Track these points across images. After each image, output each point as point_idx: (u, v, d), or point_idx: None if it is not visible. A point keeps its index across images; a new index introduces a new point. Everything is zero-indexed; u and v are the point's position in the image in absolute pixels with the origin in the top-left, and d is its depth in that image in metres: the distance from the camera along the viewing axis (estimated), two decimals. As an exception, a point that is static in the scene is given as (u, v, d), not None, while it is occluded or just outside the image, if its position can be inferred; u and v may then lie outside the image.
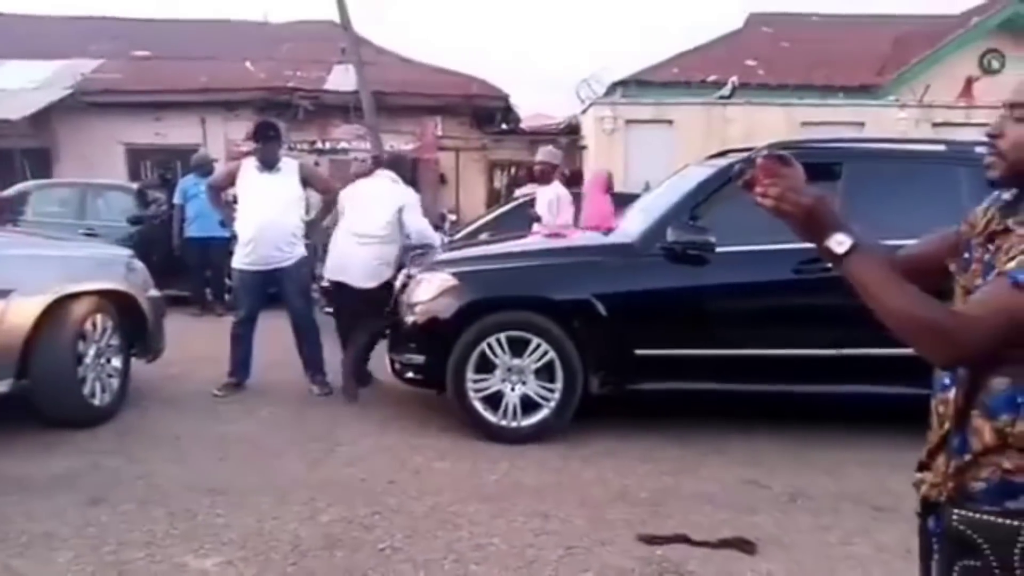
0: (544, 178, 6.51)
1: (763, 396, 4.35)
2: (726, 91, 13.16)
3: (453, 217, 12.82)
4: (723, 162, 4.61)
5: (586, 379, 4.17)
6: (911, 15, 16.62)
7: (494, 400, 4.18)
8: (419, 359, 4.34)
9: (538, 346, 4.12)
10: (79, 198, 9.54)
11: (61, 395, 4.13)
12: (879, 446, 4.04)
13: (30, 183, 10.28)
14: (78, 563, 2.77)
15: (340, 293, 5.33)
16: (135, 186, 9.93)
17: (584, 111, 13.38)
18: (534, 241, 5.34)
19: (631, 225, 4.75)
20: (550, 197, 6.31)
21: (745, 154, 4.53)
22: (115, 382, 4.50)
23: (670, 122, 12.29)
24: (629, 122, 12.31)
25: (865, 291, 1.19)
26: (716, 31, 16.92)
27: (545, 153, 6.76)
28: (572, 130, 14.08)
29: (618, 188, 10.70)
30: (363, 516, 3.21)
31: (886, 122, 11.72)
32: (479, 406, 4.18)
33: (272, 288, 5.15)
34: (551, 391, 4.16)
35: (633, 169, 11.42)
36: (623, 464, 3.88)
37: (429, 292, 4.34)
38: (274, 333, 5.46)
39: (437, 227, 12.22)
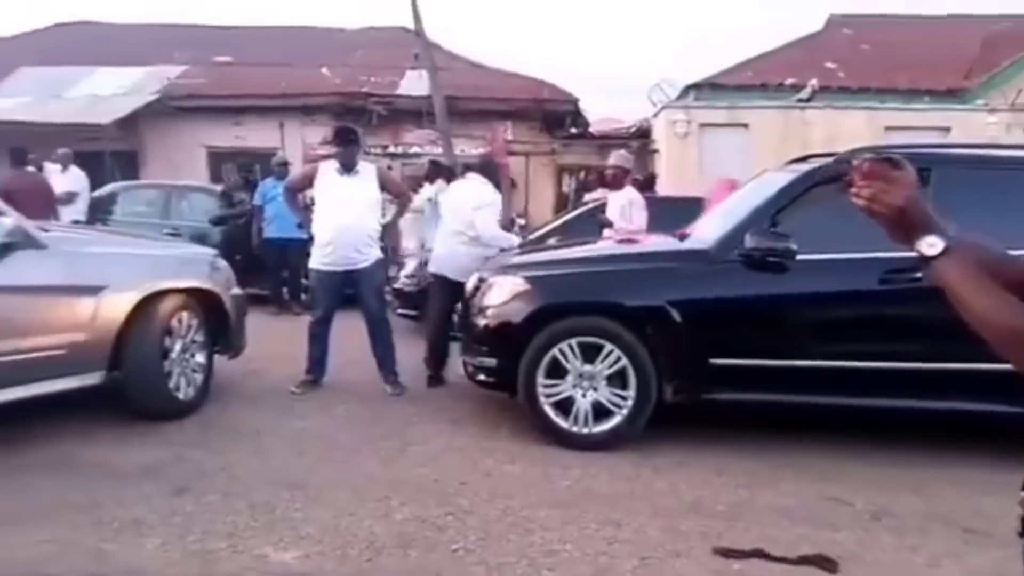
0: (616, 183, 6.45)
1: (843, 410, 4.20)
2: (805, 94, 12.84)
3: (522, 222, 12.86)
4: (805, 167, 4.49)
5: (660, 387, 4.11)
6: (1001, 15, 15.86)
7: (565, 405, 4.16)
8: (490, 362, 4.35)
9: (610, 352, 4.08)
10: (164, 199, 9.93)
11: (149, 388, 4.30)
12: (971, 464, 3.86)
13: (118, 184, 10.75)
14: (165, 550, 2.88)
15: (439, 286, 5.49)
16: (219, 188, 10.27)
17: (656, 114, 13.24)
18: (606, 246, 5.30)
19: (706, 231, 4.67)
20: (622, 202, 6.25)
21: (828, 159, 4.41)
22: (199, 377, 4.65)
23: (745, 126, 12.06)
24: (703, 126, 12.13)
25: (956, 297, 1.13)
26: (794, 33, 16.52)
27: (617, 157, 6.70)
28: (643, 134, 13.96)
29: (689, 193, 10.58)
30: (436, 516, 3.24)
31: (974, 127, 11.24)
32: (550, 411, 4.16)
33: (348, 289, 5.24)
34: (623, 398, 4.11)
35: (706, 174, 11.23)
36: (696, 475, 3.80)
37: (501, 296, 4.36)
38: (349, 333, 5.56)
39: (505, 230, 12.35)
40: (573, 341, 4.11)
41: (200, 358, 4.68)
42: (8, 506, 3.19)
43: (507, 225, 12.56)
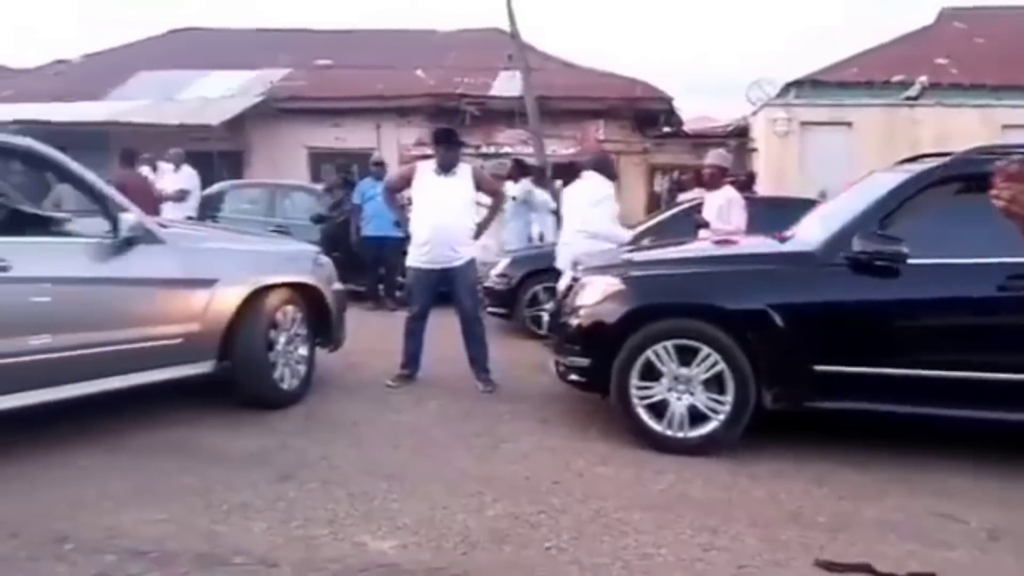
0: (713, 182, 6.33)
1: (955, 422, 3.99)
2: (913, 91, 12.24)
3: (613, 221, 12.78)
4: (918, 168, 4.28)
5: (759, 393, 4.00)
6: None
7: (660, 408, 4.10)
8: (583, 362, 4.32)
9: (707, 356, 4.00)
10: (268, 197, 10.36)
11: (255, 378, 4.49)
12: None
13: (226, 183, 11.27)
14: (270, 534, 3.00)
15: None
16: (320, 187, 10.63)
17: (755, 113, 12.91)
18: (703, 246, 5.19)
19: (809, 233, 4.52)
20: (720, 202, 6.13)
21: (942, 160, 4.20)
22: (301, 368, 4.82)
23: (848, 124, 11.61)
24: (804, 124, 11.75)
25: None
26: (902, 29, 15.76)
27: (715, 156, 6.56)
28: (740, 133, 13.62)
29: (789, 193, 10.26)
30: (529, 514, 3.26)
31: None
32: (643, 413, 4.11)
33: (443, 287, 5.33)
34: (720, 404, 4.02)
35: (807, 174, 10.89)
36: (796, 485, 3.68)
37: (594, 296, 4.33)
38: (442, 330, 5.65)
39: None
40: (668, 343, 4.05)
41: (303, 350, 4.85)
42: (130, 486, 3.39)
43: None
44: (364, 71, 15.01)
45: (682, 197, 9.39)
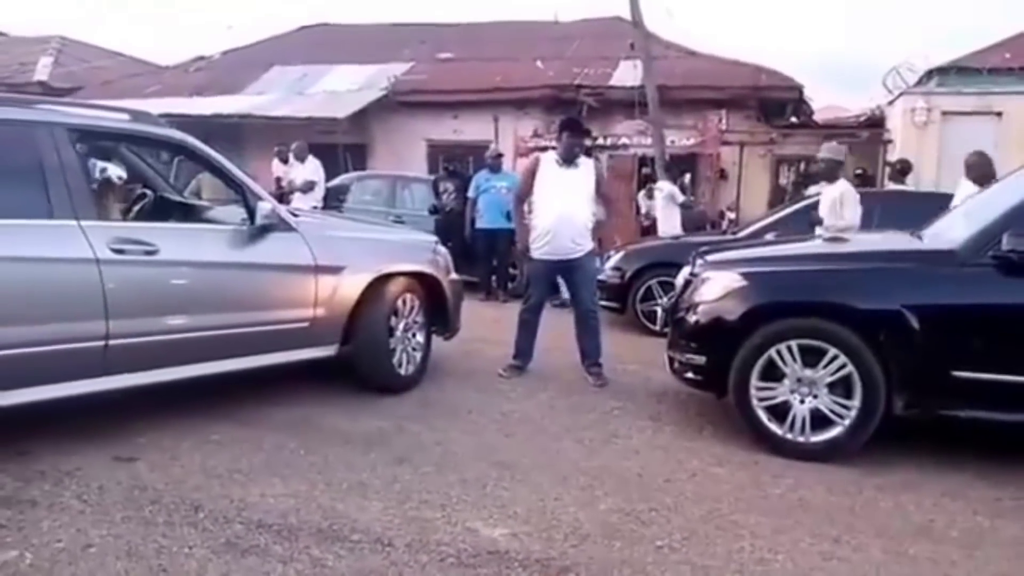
0: (829, 176, 6.21)
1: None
2: (1073, 77, 11.18)
3: (732, 215, 12.38)
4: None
5: (889, 399, 3.77)
6: None
7: (781, 410, 3.94)
8: (700, 360, 4.21)
9: (835, 358, 3.80)
10: (390, 188, 10.70)
11: (376, 362, 4.65)
12: None
13: (351, 175, 11.71)
14: (387, 514, 3.10)
15: None
16: (431, 178, 10.90)
17: (891, 102, 12.16)
18: (831, 242, 4.95)
19: (950, 230, 4.23)
20: (834, 196, 5.97)
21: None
22: (418, 355, 4.96)
23: (998, 114, 10.74)
24: (946, 114, 10.97)
25: None
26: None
27: (829, 149, 6.34)
28: (874, 123, 12.88)
29: (928, 187, 9.63)
30: (640, 511, 3.22)
31: None
32: (763, 415, 3.97)
33: (562, 277, 5.33)
34: (846, 408, 3.82)
35: (948, 167, 10.16)
36: (926, 498, 3.47)
37: (715, 291, 4.20)
38: (554, 320, 5.67)
39: (713, 224, 11.97)
40: (793, 343, 3.88)
41: (420, 337, 4.98)
42: (257, 461, 3.59)
43: (715, 219, 12.23)
44: (484, 63, 15.18)
45: (812, 190, 8.98)
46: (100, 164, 7.01)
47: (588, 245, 5.25)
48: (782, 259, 4.53)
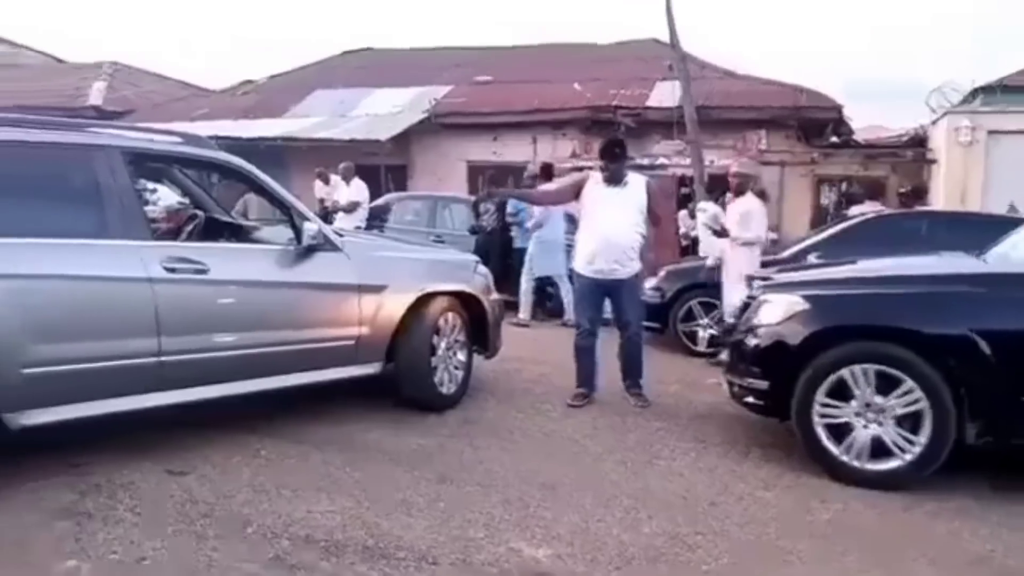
0: (738, 190, 6.69)
1: None
2: None
3: (774, 235, 12.24)
4: None
5: (960, 427, 3.63)
6: None
7: (840, 431, 3.82)
8: (762, 384, 4.09)
9: (909, 391, 3.66)
10: (430, 209, 10.80)
11: (418, 380, 4.69)
12: None
13: (392, 195, 11.86)
14: (431, 532, 3.11)
15: None
16: (471, 198, 10.98)
17: (935, 121, 11.96)
18: (898, 264, 4.74)
19: (1017, 252, 4.13)
20: (741, 210, 6.44)
21: None
22: (459, 374, 4.98)
23: (1047, 133, 10.50)
24: (992, 133, 10.75)
25: None
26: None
27: (741, 165, 7.05)
28: (917, 142, 12.68)
29: (975, 207, 9.45)
30: (685, 534, 3.19)
31: None
32: (822, 432, 3.85)
33: (608, 297, 5.24)
34: (911, 443, 3.68)
35: (995, 187, 9.97)
36: (983, 526, 3.37)
37: (776, 314, 4.09)
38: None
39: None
40: (870, 368, 3.74)
41: (461, 356, 5.00)
42: (304, 477, 3.63)
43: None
44: (522, 86, 15.29)
45: (854, 210, 8.87)
46: (151, 185, 7.23)
47: (635, 266, 5.14)
48: (844, 282, 4.41)
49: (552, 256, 8.38)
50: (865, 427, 3.78)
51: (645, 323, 7.38)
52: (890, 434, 3.73)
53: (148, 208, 5.03)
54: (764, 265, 6.27)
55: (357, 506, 3.33)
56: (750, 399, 4.21)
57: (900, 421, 3.72)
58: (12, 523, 3.00)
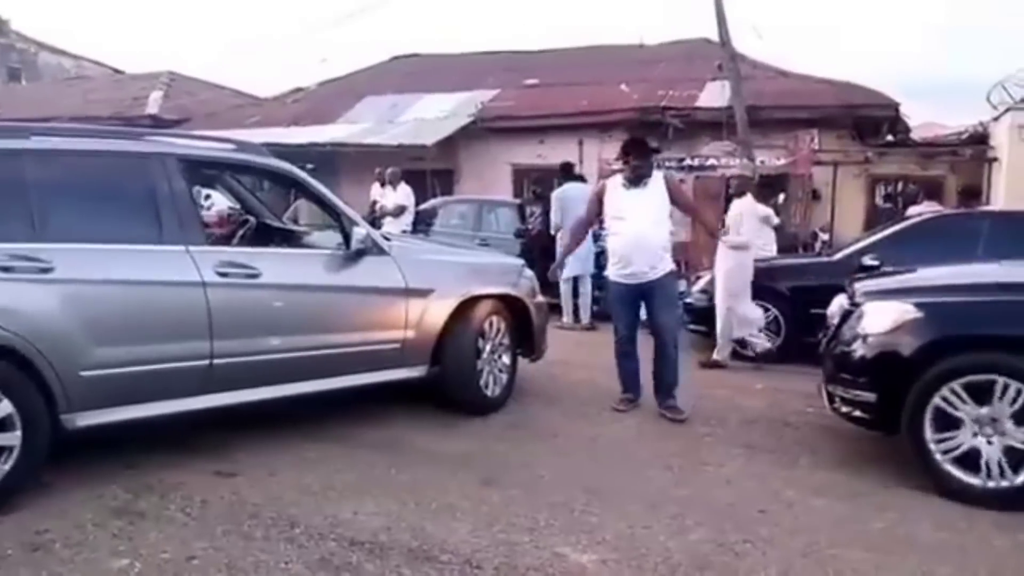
0: (739, 192, 6.70)
1: None
2: None
3: (825, 236, 11.98)
4: None
5: None
6: None
7: (969, 459, 3.61)
8: (869, 397, 3.89)
9: (1006, 387, 3.50)
10: (475, 212, 10.83)
11: (463, 384, 4.70)
12: None
13: (438, 199, 11.95)
14: (475, 536, 3.11)
15: None
16: (517, 202, 10.98)
17: (996, 118, 11.56)
18: (1009, 270, 4.50)
19: None
20: (734, 212, 6.43)
21: None
22: (504, 377, 4.99)
23: (1119, 129, 10.06)
24: (1058, 130, 10.35)
25: None
26: None
27: (741, 167, 7.25)
28: (978, 140, 12.26)
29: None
30: (733, 542, 3.13)
31: None
32: (935, 448, 3.66)
33: (642, 301, 5.14)
34: None
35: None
36: (1049, 537, 3.24)
37: (885, 323, 3.89)
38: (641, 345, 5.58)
39: (805, 246, 11.60)
40: (955, 384, 3.58)
41: (506, 359, 5.01)
42: (350, 479, 3.67)
43: (807, 240, 11.86)
44: (569, 88, 15.25)
45: (912, 211, 8.60)
46: (205, 191, 7.41)
47: (667, 266, 5.01)
48: (957, 288, 4.20)
49: (578, 256, 8.28)
50: (989, 443, 3.56)
51: (693, 326, 7.34)
52: (1019, 437, 3.52)
53: (202, 214, 5.15)
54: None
55: (402, 508, 3.35)
56: (856, 412, 3.99)
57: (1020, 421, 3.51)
58: (72, 522, 3.10)
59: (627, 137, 5.60)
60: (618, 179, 5.12)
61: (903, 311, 3.87)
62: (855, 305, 4.25)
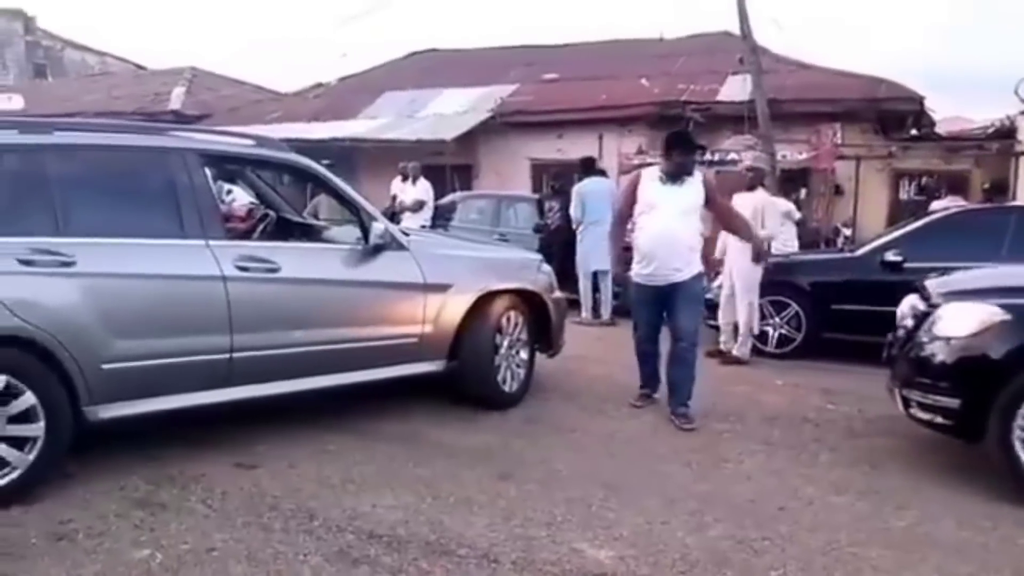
0: (751, 185, 6.60)
1: None
2: None
3: (848, 231, 11.85)
4: None
5: None
6: None
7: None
8: (952, 403, 3.74)
9: None
10: (494, 207, 10.83)
11: (481, 378, 4.71)
12: None
13: (457, 194, 11.96)
14: (492, 530, 3.12)
15: None
16: (535, 197, 10.97)
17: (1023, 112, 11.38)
18: None
19: None
20: (755, 204, 6.31)
21: None
22: (522, 372, 4.98)
23: None
24: (1087, 123, 10.17)
25: None
26: None
27: (753, 159, 7.08)
28: (1004, 134, 12.06)
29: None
30: (752, 539, 3.11)
31: None
32: None
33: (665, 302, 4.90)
34: None
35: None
36: (1074, 536, 3.19)
37: (969, 326, 3.77)
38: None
39: (828, 242, 11.48)
40: None
41: (523, 354, 5.00)
42: (369, 472, 3.69)
43: (830, 236, 11.74)
44: (588, 83, 15.19)
45: (936, 205, 8.49)
46: (227, 186, 7.47)
47: (694, 268, 4.79)
48: None
49: (600, 250, 8.16)
50: None
51: (712, 323, 7.27)
52: None
53: (222, 208, 5.19)
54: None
55: (420, 502, 3.36)
56: (937, 418, 3.83)
57: None
58: (95, 512, 3.13)
59: (670, 131, 5.29)
60: (654, 171, 4.90)
61: (989, 313, 3.74)
62: (932, 306, 4.09)
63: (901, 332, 4.33)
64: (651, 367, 5.07)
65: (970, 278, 4.46)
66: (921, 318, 4.13)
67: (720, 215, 5.24)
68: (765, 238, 6.38)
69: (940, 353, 3.85)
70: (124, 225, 3.59)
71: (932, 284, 4.39)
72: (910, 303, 4.40)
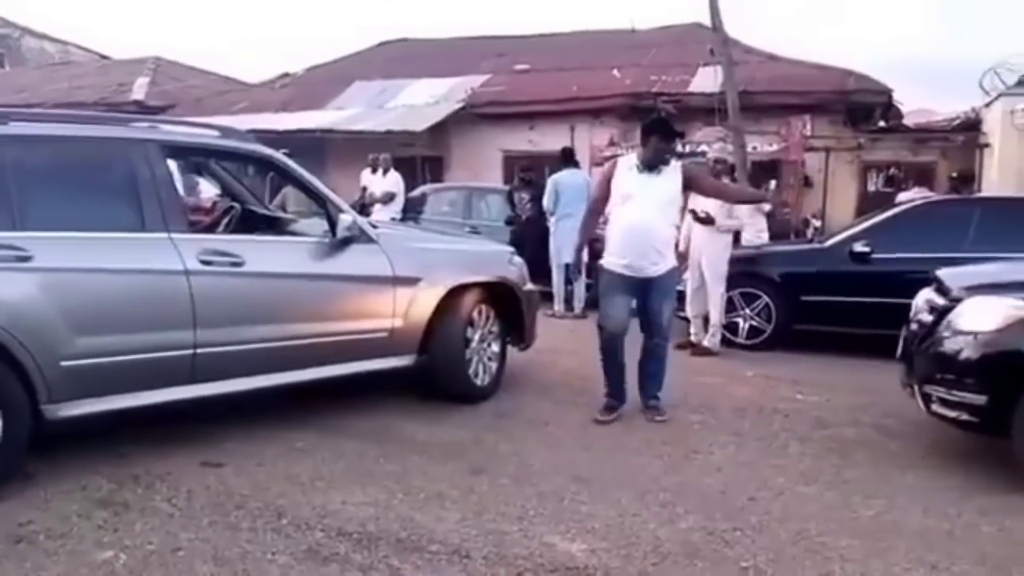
0: (717, 177, 6.52)
1: None
2: None
3: (817, 223, 11.98)
4: None
5: None
6: None
7: None
8: (978, 399, 3.66)
9: None
10: (465, 200, 10.77)
11: (452, 372, 4.67)
12: None
13: (428, 186, 11.88)
14: (464, 525, 3.09)
15: None
16: (506, 188, 10.94)
17: (988, 104, 11.56)
18: None
19: None
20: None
21: None
22: (493, 365, 4.96)
23: (1109, 114, 10.07)
24: (1050, 116, 10.36)
25: None
26: None
27: (718, 151, 7.08)
28: (969, 127, 12.27)
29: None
30: (723, 530, 3.12)
31: None
32: None
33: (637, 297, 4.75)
34: None
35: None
36: (1036, 524, 3.24)
37: (995, 320, 3.71)
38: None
39: (797, 232, 11.59)
40: None
41: (495, 348, 4.98)
42: (338, 469, 3.64)
43: (799, 227, 11.85)
44: (560, 74, 15.16)
45: (902, 196, 8.60)
46: (195, 179, 7.33)
47: (669, 262, 4.62)
48: None
49: (574, 242, 8.11)
50: None
51: (681, 314, 7.29)
52: None
53: (188, 200, 5.09)
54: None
55: (390, 498, 3.32)
56: (962, 415, 3.75)
57: None
58: (56, 513, 3.06)
59: (654, 116, 5.19)
60: (632, 160, 4.70)
61: (1015, 307, 3.69)
62: (953, 300, 4.01)
63: (916, 327, 4.25)
64: (618, 370, 4.69)
65: (990, 271, 4.43)
66: (941, 312, 4.03)
67: (710, 192, 5.36)
68: (735, 227, 6.47)
69: (965, 349, 3.76)
70: (83, 219, 3.50)
71: (949, 277, 4.29)
72: (925, 297, 4.31)
